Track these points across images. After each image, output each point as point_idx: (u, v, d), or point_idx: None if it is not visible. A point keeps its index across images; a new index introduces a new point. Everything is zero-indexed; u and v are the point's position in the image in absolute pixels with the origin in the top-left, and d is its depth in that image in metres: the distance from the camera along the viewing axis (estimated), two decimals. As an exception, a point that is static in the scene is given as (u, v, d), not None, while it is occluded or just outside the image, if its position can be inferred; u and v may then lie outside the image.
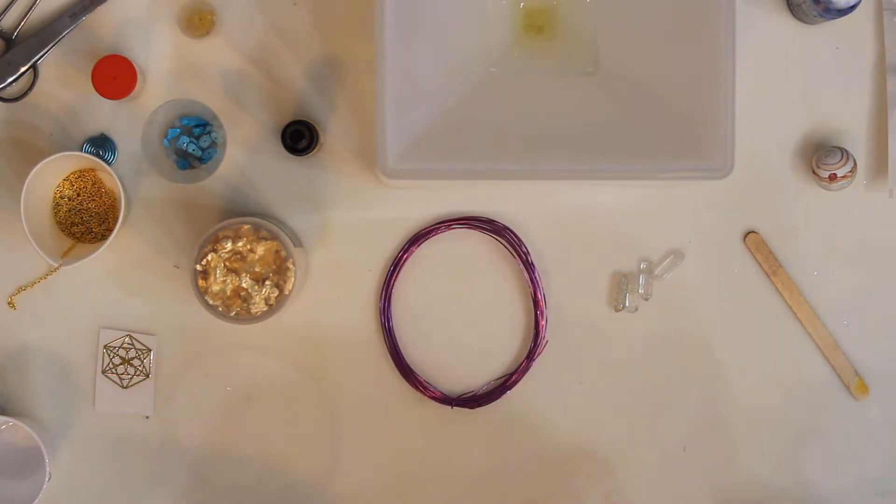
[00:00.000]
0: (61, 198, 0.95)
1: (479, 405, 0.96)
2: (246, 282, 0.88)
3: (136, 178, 0.95)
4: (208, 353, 0.96)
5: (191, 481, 0.96)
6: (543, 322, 0.95)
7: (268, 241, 0.89)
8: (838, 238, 0.95)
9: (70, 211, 0.95)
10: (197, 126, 0.95)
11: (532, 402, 0.96)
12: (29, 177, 0.89)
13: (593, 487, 0.96)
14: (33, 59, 0.94)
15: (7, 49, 0.94)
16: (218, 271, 0.88)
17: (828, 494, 0.96)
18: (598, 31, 0.88)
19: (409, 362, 0.96)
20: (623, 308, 0.95)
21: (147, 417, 0.96)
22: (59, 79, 0.95)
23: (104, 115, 0.95)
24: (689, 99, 0.84)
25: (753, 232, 0.95)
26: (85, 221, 0.95)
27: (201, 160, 0.95)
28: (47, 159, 0.89)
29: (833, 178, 0.91)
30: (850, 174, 0.91)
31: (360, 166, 0.95)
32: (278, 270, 0.89)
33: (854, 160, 0.92)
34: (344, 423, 0.96)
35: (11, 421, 0.91)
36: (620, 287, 0.95)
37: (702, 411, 0.96)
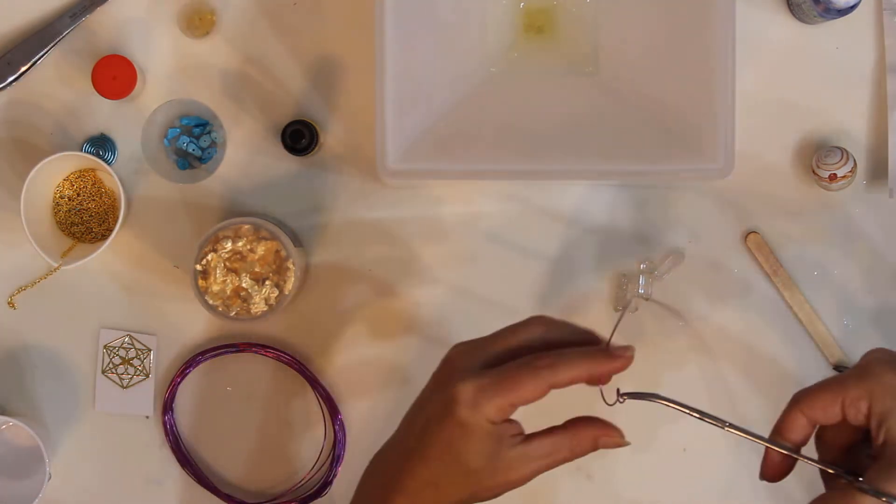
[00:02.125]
0: (61, 198, 0.95)
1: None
2: (246, 282, 0.89)
3: (136, 178, 0.95)
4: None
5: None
6: None
7: (268, 241, 0.89)
8: (838, 238, 0.95)
9: (70, 211, 0.95)
10: (197, 126, 0.95)
11: (532, 403, 0.96)
12: (29, 177, 0.89)
13: (594, 489, 0.96)
14: (33, 59, 0.94)
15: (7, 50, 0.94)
16: (218, 271, 0.88)
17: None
18: (598, 31, 0.88)
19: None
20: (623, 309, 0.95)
21: (147, 417, 0.96)
22: (59, 79, 0.95)
23: (104, 115, 0.95)
24: (689, 99, 0.84)
25: (753, 232, 0.95)
26: (85, 221, 0.95)
27: (201, 160, 0.95)
28: (47, 159, 0.89)
29: (833, 178, 0.91)
30: (850, 174, 0.91)
31: (360, 166, 0.95)
32: (278, 270, 0.89)
33: (854, 160, 0.92)
34: (345, 424, 0.96)
35: (11, 421, 0.91)
36: (620, 287, 0.95)
37: (702, 411, 0.96)
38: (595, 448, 0.70)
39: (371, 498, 0.72)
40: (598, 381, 0.70)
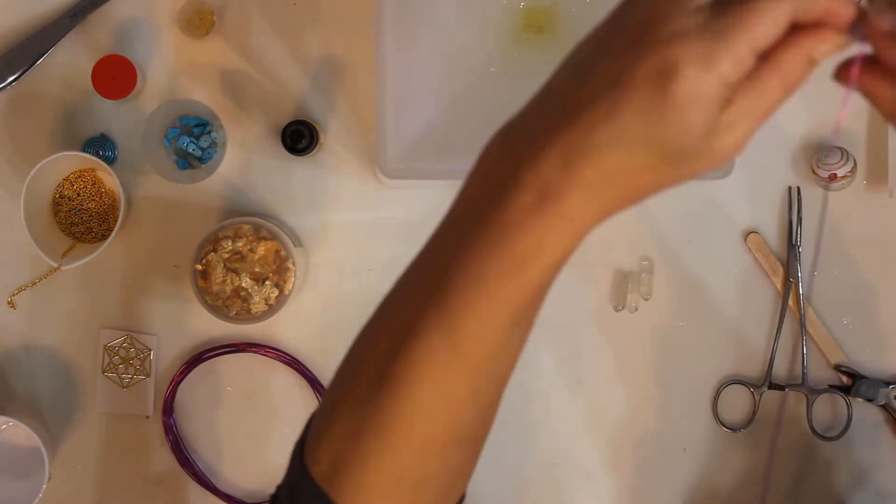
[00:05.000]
0: (61, 198, 0.95)
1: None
2: (246, 282, 0.89)
3: (136, 178, 0.95)
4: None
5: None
6: None
7: (268, 241, 0.89)
8: (838, 238, 0.95)
9: (70, 211, 0.95)
10: (197, 126, 0.95)
11: (532, 402, 0.96)
12: (29, 177, 0.89)
13: (594, 488, 0.96)
14: (33, 59, 0.94)
15: (8, 49, 0.94)
16: (218, 271, 0.88)
17: (828, 493, 0.95)
18: (598, 31, 0.88)
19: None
20: (623, 308, 0.95)
21: (147, 417, 0.96)
22: (59, 79, 0.95)
23: (104, 115, 0.95)
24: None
25: (754, 232, 0.95)
26: (85, 221, 0.95)
27: (201, 160, 0.95)
28: (47, 159, 0.89)
29: (833, 178, 0.91)
30: (850, 174, 0.91)
31: (360, 166, 0.95)
32: (278, 270, 0.89)
33: (854, 160, 0.92)
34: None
35: (11, 421, 0.91)
36: (621, 286, 0.95)
37: (702, 411, 0.96)
38: (812, 64, 0.50)
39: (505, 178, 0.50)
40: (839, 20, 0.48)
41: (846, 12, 0.47)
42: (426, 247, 0.55)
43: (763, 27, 0.46)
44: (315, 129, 0.92)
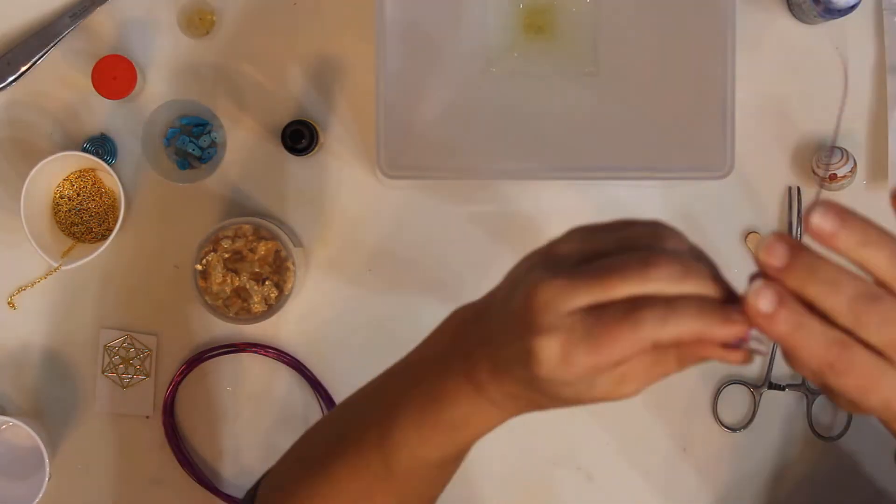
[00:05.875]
0: (61, 198, 0.95)
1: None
2: (246, 282, 0.89)
3: (136, 178, 0.95)
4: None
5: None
6: None
7: (268, 241, 0.89)
8: (838, 238, 0.95)
9: (70, 211, 0.95)
10: (197, 126, 0.95)
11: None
12: (29, 177, 0.89)
13: (594, 489, 0.96)
14: (33, 59, 0.94)
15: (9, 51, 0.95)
16: (218, 271, 0.88)
17: (828, 493, 0.95)
18: (598, 31, 0.88)
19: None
20: (623, 308, 0.95)
21: (147, 417, 0.96)
22: (59, 79, 0.95)
23: (104, 115, 0.95)
24: (689, 99, 0.84)
25: (753, 232, 0.95)
26: (85, 221, 0.95)
27: (201, 160, 0.95)
28: (47, 159, 0.89)
29: (833, 178, 0.91)
30: (850, 174, 0.91)
31: (360, 166, 0.95)
32: (278, 270, 0.89)
33: (854, 160, 0.92)
34: (344, 423, 0.96)
35: (11, 421, 0.91)
36: (620, 287, 0.95)
37: (702, 411, 0.96)
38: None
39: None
40: (706, 346, 0.57)
41: (723, 333, 0.56)
42: (384, 379, 0.66)
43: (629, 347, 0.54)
44: (315, 129, 0.92)
